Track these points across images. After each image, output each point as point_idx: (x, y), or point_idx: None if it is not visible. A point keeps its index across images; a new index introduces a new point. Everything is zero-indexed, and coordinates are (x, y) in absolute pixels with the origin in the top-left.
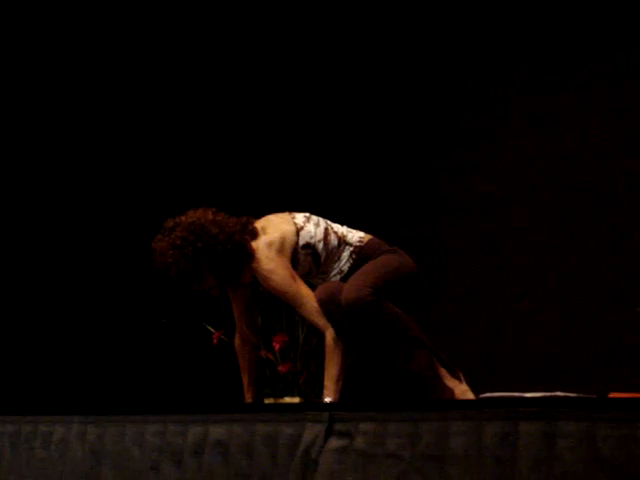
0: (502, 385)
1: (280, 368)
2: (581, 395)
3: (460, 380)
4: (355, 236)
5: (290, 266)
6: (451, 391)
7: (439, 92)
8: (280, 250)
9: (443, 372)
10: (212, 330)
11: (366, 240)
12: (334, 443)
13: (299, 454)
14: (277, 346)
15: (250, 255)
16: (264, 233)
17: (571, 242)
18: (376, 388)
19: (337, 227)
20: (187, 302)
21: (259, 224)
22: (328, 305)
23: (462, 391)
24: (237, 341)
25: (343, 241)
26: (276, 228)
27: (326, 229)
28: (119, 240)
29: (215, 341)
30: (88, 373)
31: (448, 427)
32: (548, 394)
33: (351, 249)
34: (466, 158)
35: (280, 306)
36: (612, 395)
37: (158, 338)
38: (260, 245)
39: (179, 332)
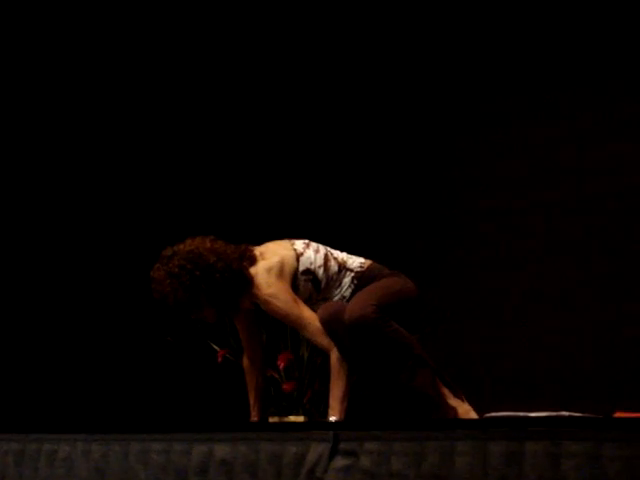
0: (507, 405)
1: (285, 387)
2: (587, 415)
3: (462, 400)
4: (356, 262)
5: (290, 289)
6: (454, 410)
7: (440, 111)
8: (279, 274)
9: (446, 392)
10: (217, 348)
11: (367, 265)
12: (339, 462)
13: (304, 473)
14: (282, 364)
15: (249, 282)
16: (263, 259)
17: (577, 260)
18: (381, 407)
19: (337, 253)
20: (192, 320)
21: (258, 251)
22: (331, 324)
23: (465, 411)
24: (245, 360)
25: (344, 267)
26: (275, 253)
27: (326, 255)
28: (124, 259)
29: (220, 359)
30: (93, 391)
31: (453, 447)
32: (553, 414)
33: (352, 274)
34: (467, 173)
35: (285, 325)
36: (618, 415)
37: (163, 356)
38: (259, 270)
39: (184, 350)
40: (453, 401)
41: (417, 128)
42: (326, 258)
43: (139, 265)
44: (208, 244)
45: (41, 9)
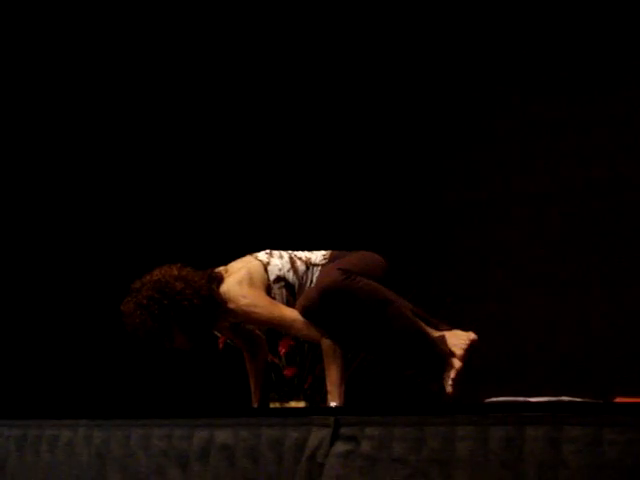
0: (508, 390)
1: (286, 372)
2: (587, 399)
3: (447, 328)
4: (318, 256)
5: (265, 294)
6: (442, 338)
7: (431, 103)
8: (250, 284)
9: (429, 329)
10: (218, 334)
11: (329, 255)
12: (340, 447)
13: (305, 458)
14: (283, 350)
15: (220, 304)
16: (229, 275)
17: (577, 247)
18: (381, 392)
19: (300, 253)
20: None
21: (222, 270)
22: (309, 308)
23: (451, 334)
24: (246, 354)
25: (310, 264)
26: (240, 267)
27: (291, 258)
28: (126, 249)
29: (221, 346)
30: (94, 377)
31: (454, 431)
32: (554, 398)
33: (319, 268)
34: (465, 166)
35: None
36: (618, 399)
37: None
38: (229, 286)
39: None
40: (436, 334)
41: (407, 122)
42: (292, 261)
43: (139, 253)
44: (175, 272)
45: (41, 9)
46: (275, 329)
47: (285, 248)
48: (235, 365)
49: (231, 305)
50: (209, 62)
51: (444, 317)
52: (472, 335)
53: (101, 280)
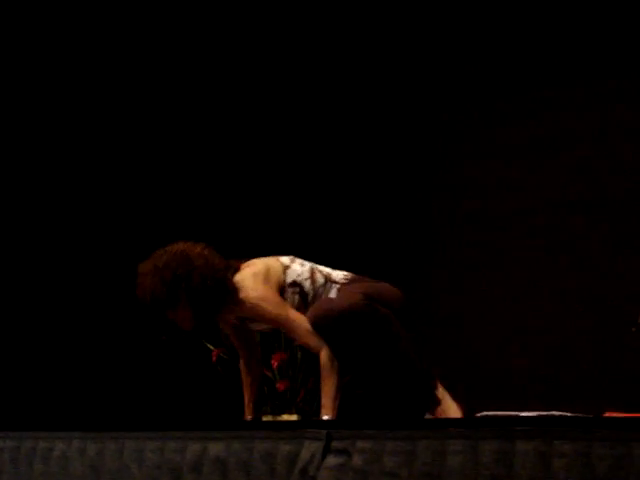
0: (498, 404)
1: (278, 385)
2: (577, 414)
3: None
4: (340, 274)
5: (277, 293)
6: (437, 402)
7: (426, 114)
8: (266, 280)
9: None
10: (211, 347)
11: (350, 277)
12: (332, 461)
13: (297, 471)
14: (275, 363)
15: (231, 292)
16: (247, 267)
17: (567, 261)
18: (373, 406)
19: (321, 267)
20: (168, 321)
21: (244, 264)
22: (322, 320)
23: (448, 406)
24: (241, 361)
25: (329, 279)
26: (260, 263)
27: (312, 269)
28: (119, 258)
29: (214, 358)
30: (88, 389)
31: (445, 445)
32: (544, 413)
33: (337, 286)
34: (458, 177)
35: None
36: (608, 414)
37: (158, 355)
38: (245, 277)
39: (178, 349)
40: (439, 393)
41: (402, 133)
42: (312, 271)
43: (133, 263)
44: (198, 249)
45: (41, 9)
46: (278, 329)
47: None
48: (228, 378)
49: (241, 295)
50: (222, 65)
51: (436, 330)
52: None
53: (93, 294)
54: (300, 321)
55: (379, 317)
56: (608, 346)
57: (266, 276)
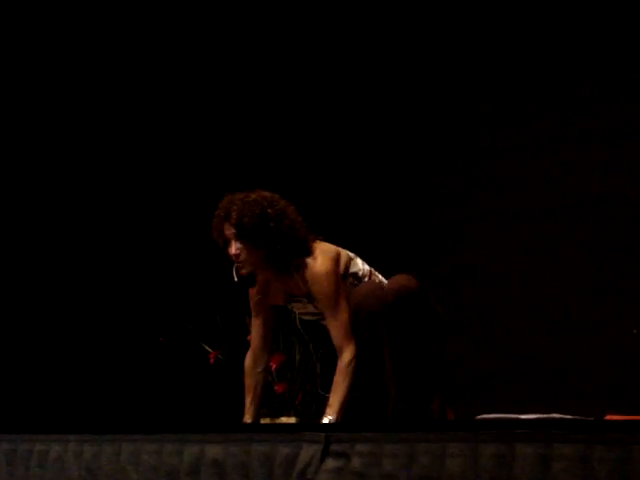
0: (498, 407)
1: (276, 388)
2: (577, 417)
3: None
4: None
5: (340, 278)
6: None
7: (427, 115)
8: (335, 261)
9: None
10: (209, 350)
11: None
12: (330, 464)
13: (295, 474)
14: (274, 366)
15: (306, 252)
16: (321, 244)
17: (567, 263)
18: (372, 409)
19: (378, 274)
20: (184, 321)
21: (317, 241)
22: (368, 300)
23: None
24: (248, 361)
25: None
26: (332, 246)
27: (371, 271)
28: (116, 260)
29: (212, 360)
30: (84, 392)
31: (444, 448)
32: (544, 416)
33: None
34: (455, 182)
35: (276, 326)
36: (608, 417)
37: (155, 357)
38: (318, 250)
39: (176, 351)
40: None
41: (404, 134)
42: (371, 272)
43: (131, 265)
44: (284, 203)
45: (41, 9)
46: (319, 308)
47: None
48: (226, 380)
49: (309, 260)
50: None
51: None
52: None
53: (90, 296)
54: (345, 314)
55: (428, 302)
56: (610, 349)
57: (337, 257)
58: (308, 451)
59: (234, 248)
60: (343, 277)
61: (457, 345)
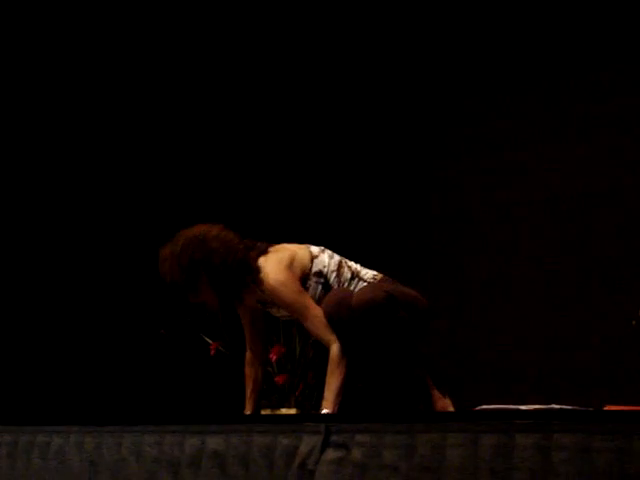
0: (498, 397)
1: (277, 379)
2: (577, 407)
3: (444, 394)
4: (369, 273)
5: (299, 281)
6: (433, 401)
7: (424, 109)
8: (289, 266)
9: (429, 381)
10: (209, 341)
11: (380, 278)
12: (331, 454)
13: (296, 465)
14: (274, 357)
15: (253, 271)
16: (275, 252)
17: (565, 256)
18: (372, 400)
19: (351, 263)
20: (185, 313)
21: (273, 247)
22: (336, 310)
23: (444, 405)
24: (248, 353)
25: (357, 276)
26: (287, 249)
27: (340, 262)
28: (117, 253)
29: (212, 352)
30: (86, 383)
31: (444, 439)
32: (544, 406)
33: (364, 285)
34: (455, 174)
35: (277, 318)
36: (608, 407)
37: (156, 349)
38: (269, 260)
39: (177, 343)
40: (435, 392)
41: (393, 131)
42: (340, 265)
43: (133, 259)
44: (215, 231)
45: (41, 9)
46: (292, 315)
47: None
48: (226, 372)
49: (262, 276)
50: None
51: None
52: None
53: (91, 288)
54: (316, 312)
55: (397, 318)
56: (608, 339)
57: (290, 262)
58: (308, 442)
59: (189, 298)
60: (304, 280)
61: (456, 336)
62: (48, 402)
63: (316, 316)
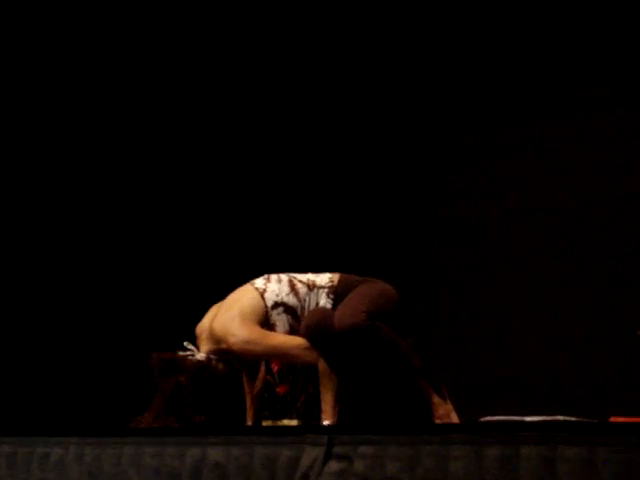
0: (502, 409)
1: (278, 390)
2: (581, 419)
3: (445, 399)
4: (324, 278)
5: (257, 327)
6: (434, 408)
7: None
8: (243, 320)
9: (429, 390)
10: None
11: (337, 278)
12: (333, 466)
13: (298, 477)
14: (275, 367)
15: (219, 365)
16: (225, 311)
17: (570, 265)
18: (375, 411)
19: (301, 276)
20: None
21: (218, 307)
22: (319, 331)
23: (446, 410)
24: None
25: (313, 286)
26: (234, 300)
27: (290, 281)
28: (113, 264)
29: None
30: (86, 394)
31: (448, 451)
32: (548, 418)
33: (326, 290)
34: (460, 181)
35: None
36: (612, 419)
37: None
38: (222, 324)
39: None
40: (435, 399)
41: (398, 137)
42: (291, 284)
43: (129, 267)
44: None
45: (41, 9)
46: (275, 359)
47: (278, 267)
48: (227, 383)
49: (226, 346)
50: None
51: (439, 334)
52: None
53: (91, 298)
54: (291, 342)
55: (380, 338)
56: (614, 350)
57: (242, 315)
58: (310, 453)
59: None
60: (266, 317)
61: (460, 347)
62: (48, 413)
63: (292, 346)
